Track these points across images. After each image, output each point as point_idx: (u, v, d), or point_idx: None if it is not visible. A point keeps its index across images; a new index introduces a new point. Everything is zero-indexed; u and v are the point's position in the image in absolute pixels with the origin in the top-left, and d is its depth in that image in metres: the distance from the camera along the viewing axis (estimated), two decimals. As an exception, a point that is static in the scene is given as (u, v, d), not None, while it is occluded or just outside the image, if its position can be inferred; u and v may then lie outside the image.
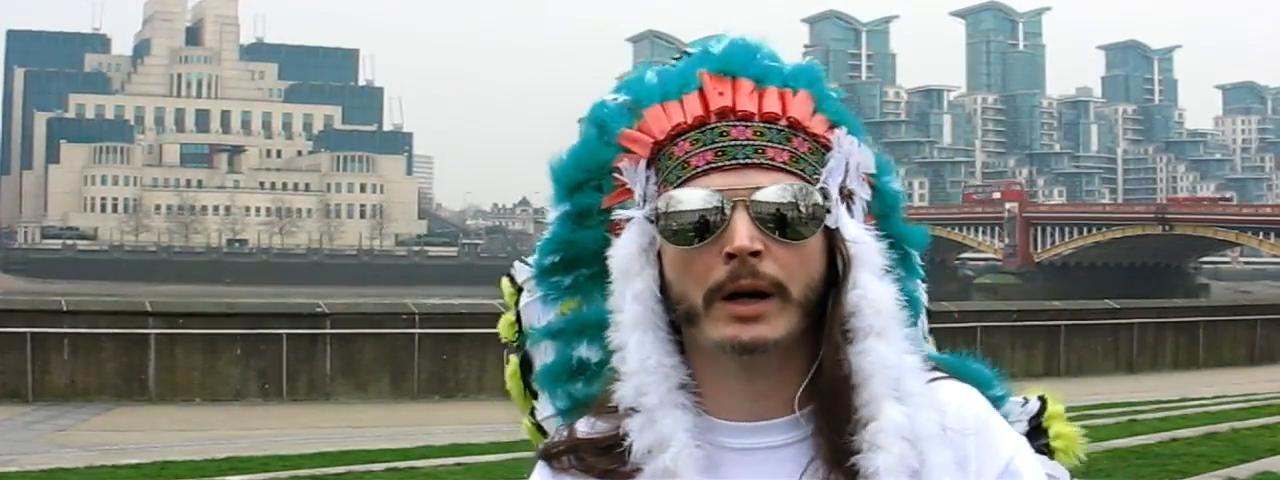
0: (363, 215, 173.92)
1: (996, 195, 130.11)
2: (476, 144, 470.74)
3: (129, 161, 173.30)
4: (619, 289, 1.47)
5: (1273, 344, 25.69)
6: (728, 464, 1.43)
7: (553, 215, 1.64)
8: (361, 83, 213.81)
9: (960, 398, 1.47)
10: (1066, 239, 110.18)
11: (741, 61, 1.50)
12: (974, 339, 19.76)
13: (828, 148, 1.46)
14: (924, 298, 1.67)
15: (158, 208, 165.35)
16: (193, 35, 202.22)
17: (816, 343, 1.42)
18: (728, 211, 1.38)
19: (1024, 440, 1.53)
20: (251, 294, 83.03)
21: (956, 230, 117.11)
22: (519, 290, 1.81)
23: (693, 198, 1.40)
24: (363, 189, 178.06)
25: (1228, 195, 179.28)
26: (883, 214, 1.52)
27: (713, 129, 1.44)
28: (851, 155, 1.47)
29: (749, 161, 1.42)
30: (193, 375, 17.34)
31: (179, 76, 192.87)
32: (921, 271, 1.65)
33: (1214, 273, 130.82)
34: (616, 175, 1.52)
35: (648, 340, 1.43)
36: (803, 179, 1.42)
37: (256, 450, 12.32)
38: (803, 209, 1.39)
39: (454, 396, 18.24)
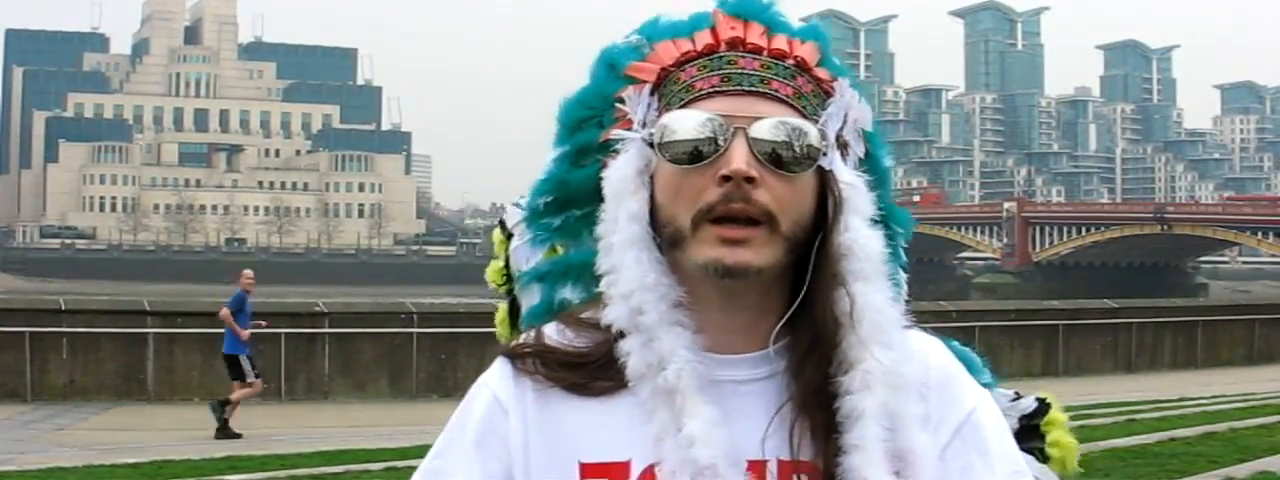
0: (361, 215, 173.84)
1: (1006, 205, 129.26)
2: (475, 143, 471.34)
3: (127, 161, 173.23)
4: (612, 210, 1.46)
5: (1271, 344, 25.70)
6: (716, 395, 1.41)
7: (550, 156, 1.64)
8: (360, 82, 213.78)
9: (926, 348, 1.48)
10: (1065, 238, 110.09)
11: (754, 9, 1.51)
12: (973, 338, 19.76)
13: (830, 94, 1.47)
14: (903, 288, 1.62)
15: (156, 207, 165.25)
16: (191, 34, 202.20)
17: (797, 281, 1.42)
18: (728, 136, 1.39)
19: (986, 393, 1.52)
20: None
21: (955, 230, 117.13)
22: (509, 237, 1.82)
23: (694, 119, 1.41)
24: (361, 188, 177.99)
25: (1226, 194, 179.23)
26: (871, 186, 1.49)
27: (721, 57, 1.46)
28: (851, 107, 1.48)
29: (753, 89, 1.42)
30: (191, 374, 17.34)
31: (177, 76, 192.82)
32: (904, 258, 1.63)
33: (1212, 272, 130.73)
34: (619, 105, 1.52)
35: (644, 258, 1.42)
36: (804, 115, 1.43)
37: (255, 449, 12.35)
38: (799, 145, 1.39)
39: (452, 395, 18.18)
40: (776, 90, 1.43)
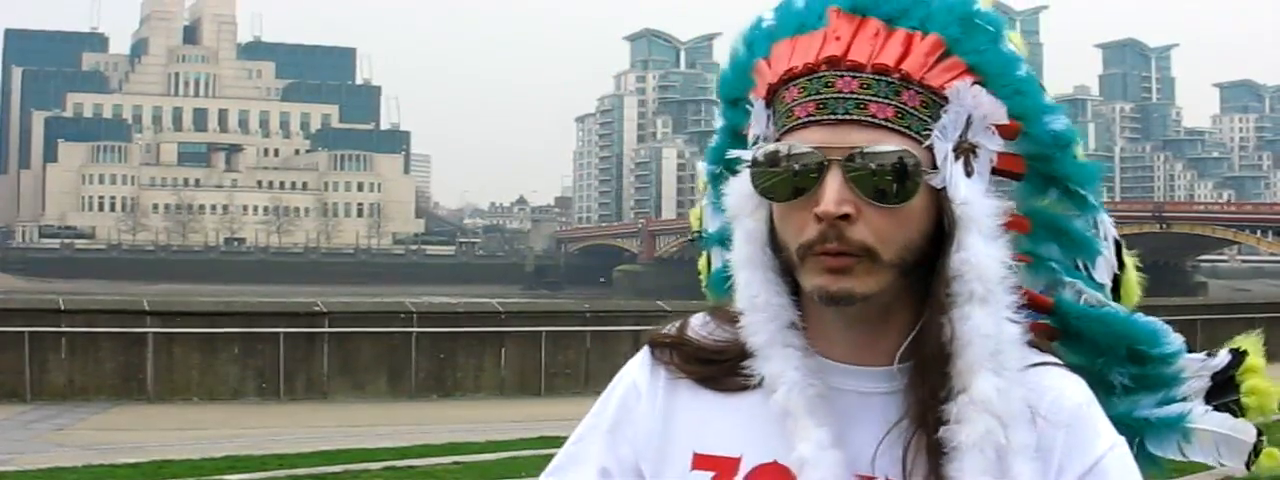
0: (360, 214, 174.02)
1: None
2: (474, 143, 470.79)
3: (127, 161, 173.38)
4: (734, 227, 1.46)
5: (1271, 343, 25.63)
6: (836, 405, 1.42)
7: (718, 124, 1.62)
8: (359, 82, 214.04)
9: (1062, 386, 1.43)
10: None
11: (872, 1, 1.44)
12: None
13: (946, 100, 1.40)
14: (1108, 230, 1.60)
15: (155, 207, 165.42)
16: (190, 34, 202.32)
17: (924, 300, 1.40)
18: (821, 171, 1.36)
19: (1121, 440, 1.44)
20: (249, 293, 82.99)
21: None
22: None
23: (784, 151, 1.38)
24: (360, 188, 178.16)
25: (1226, 195, 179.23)
26: (1042, 156, 1.47)
27: (819, 78, 1.40)
28: (975, 107, 1.40)
29: (848, 117, 1.37)
30: (190, 374, 17.33)
31: (176, 75, 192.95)
32: (1096, 204, 1.57)
33: (1212, 271, 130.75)
34: (748, 106, 1.50)
35: (756, 279, 1.43)
36: (908, 137, 1.37)
37: (254, 449, 12.32)
38: (895, 175, 1.35)
39: (452, 395, 18.25)
40: (874, 114, 1.37)
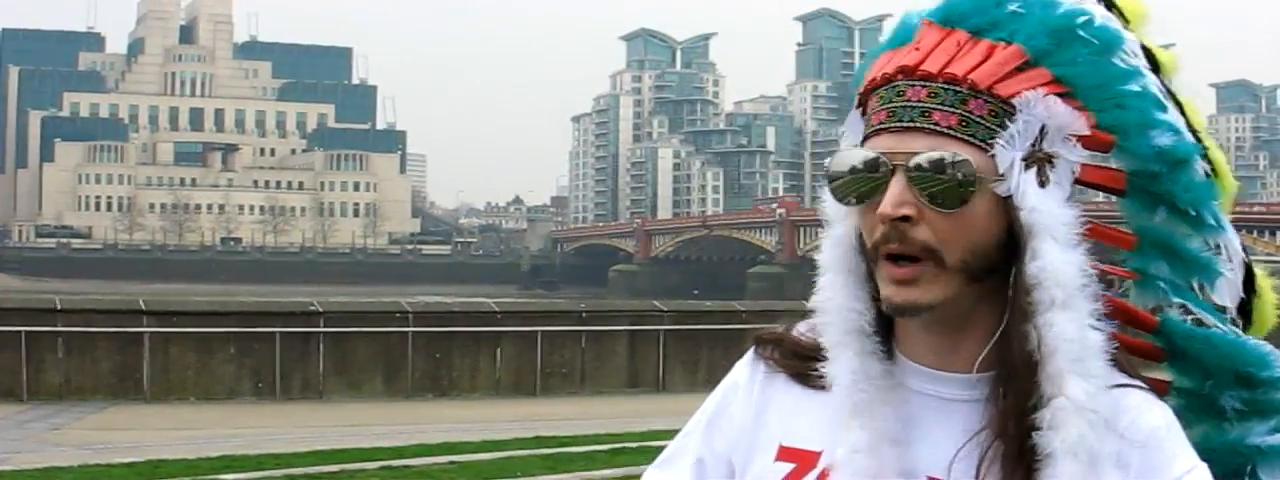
0: (356, 214, 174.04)
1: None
2: (470, 143, 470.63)
3: (123, 160, 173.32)
4: (825, 232, 1.51)
5: (1270, 344, 25.72)
6: (910, 404, 1.46)
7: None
8: (355, 81, 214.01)
9: (1142, 407, 1.43)
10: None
11: (965, 11, 1.47)
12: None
13: (1015, 109, 1.41)
14: (1233, 252, 1.56)
15: (152, 206, 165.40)
16: (186, 34, 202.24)
17: (1004, 308, 1.41)
18: (886, 175, 1.40)
19: (1203, 466, 1.43)
20: (245, 292, 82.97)
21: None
22: None
23: (854, 158, 1.43)
24: (356, 187, 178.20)
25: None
26: (1146, 172, 1.47)
27: (893, 87, 1.44)
28: (1048, 117, 1.41)
29: (913, 124, 1.41)
30: (187, 374, 17.35)
31: (173, 75, 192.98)
32: (1215, 225, 1.53)
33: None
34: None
35: (837, 282, 1.47)
36: (971, 145, 1.39)
37: (250, 449, 12.34)
38: (953, 177, 1.37)
39: (447, 395, 18.27)
40: (937, 122, 1.40)
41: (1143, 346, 1.52)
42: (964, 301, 1.41)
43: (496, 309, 19.92)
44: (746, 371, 1.61)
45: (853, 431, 1.43)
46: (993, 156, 1.39)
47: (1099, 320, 1.39)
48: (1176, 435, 1.43)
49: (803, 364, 1.53)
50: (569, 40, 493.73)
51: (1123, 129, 1.45)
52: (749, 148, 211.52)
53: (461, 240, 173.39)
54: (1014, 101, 1.40)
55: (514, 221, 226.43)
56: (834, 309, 1.47)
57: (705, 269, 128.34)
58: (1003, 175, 1.39)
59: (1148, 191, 1.49)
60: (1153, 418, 1.42)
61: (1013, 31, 1.44)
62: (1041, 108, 1.41)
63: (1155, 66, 1.52)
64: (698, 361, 19.50)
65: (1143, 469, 1.39)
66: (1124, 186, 1.49)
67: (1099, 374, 1.37)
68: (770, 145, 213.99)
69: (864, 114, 1.49)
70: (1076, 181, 1.44)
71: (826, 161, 1.46)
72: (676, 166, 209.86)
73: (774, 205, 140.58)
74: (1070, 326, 1.37)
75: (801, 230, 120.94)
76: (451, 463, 11.29)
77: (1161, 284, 1.54)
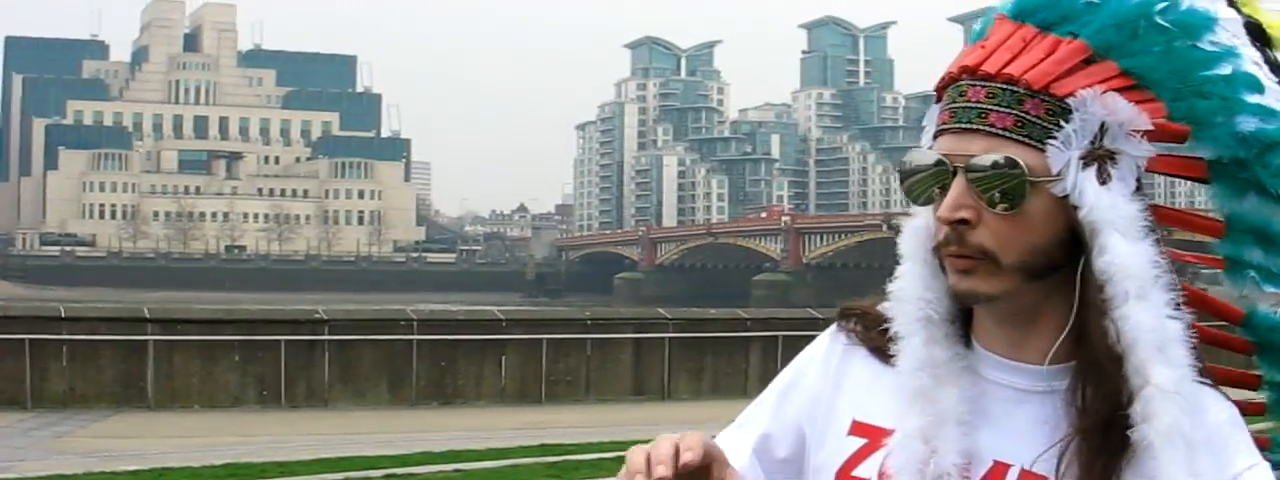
0: (361, 221, 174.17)
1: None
2: (474, 151, 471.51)
3: (127, 168, 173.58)
4: (906, 222, 1.52)
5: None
6: (981, 390, 1.45)
7: None
8: (359, 89, 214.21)
9: (1208, 403, 1.41)
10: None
11: (1036, 5, 1.47)
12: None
13: (1072, 109, 1.39)
14: None
15: (156, 214, 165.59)
16: (191, 42, 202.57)
17: (1072, 301, 1.41)
18: (947, 178, 1.40)
19: (1265, 464, 1.43)
20: (250, 300, 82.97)
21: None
22: None
23: (920, 159, 1.44)
24: (361, 195, 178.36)
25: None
26: (1236, 159, 1.44)
27: (956, 87, 1.44)
28: (1108, 114, 1.39)
29: (970, 126, 1.40)
30: (191, 382, 17.34)
31: (177, 83, 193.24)
32: None
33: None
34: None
35: (911, 271, 1.48)
36: (1027, 145, 1.38)
37: (255, 457, 12.33)
38: (1008, 180, 1.37)
39: (452, 403, 18.25)
40: (993, 124, 1.39)
41: (1227, 338, 1.50)
42: (1027, 296, 1.41)
43: (501, 317, 19.88)
44: (826, 342, 1.61)
45: (911, 417, 1.44)
46: (1048, 157, 1.38)
47: (1176, 309, 1.38)
48: (1240, 432, 1.42)
49: (882, 338, 1.52)
50: (574, 48, 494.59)
51: (1201, 117, 1.42)
52: (754, 155, 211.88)
53: (466, 248, 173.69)
54: (1069, 101, 1.39)
55: (519, 229, 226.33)
56: (906, 297, 1.47)
57: (710, 276, 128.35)
58: (1059, 175, 1.38)
59: (1236, 177, 1.46)
60: (1217, 413, 1.41)
61: (1084, 24, 1.43)
62: (1098, 105, 1.39)
63: (1266, 41, 1.48)
64: (703, 369, 19.49)
65: (1206, 460, 1.38)
66: (1203, 175, 1.47)
67: (1182, 361, 1.36)
68: (775, 152, 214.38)
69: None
70: (1150, 170, 1.43)
71: (903, 159, 1.47)
72: (681, 174, 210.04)
73: (762, 214, 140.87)
74: (1147, 316, 1.35)
75: (805, 237, 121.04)
76: (456, 471, 11.27)
77: (1252, 272, 1.53)
